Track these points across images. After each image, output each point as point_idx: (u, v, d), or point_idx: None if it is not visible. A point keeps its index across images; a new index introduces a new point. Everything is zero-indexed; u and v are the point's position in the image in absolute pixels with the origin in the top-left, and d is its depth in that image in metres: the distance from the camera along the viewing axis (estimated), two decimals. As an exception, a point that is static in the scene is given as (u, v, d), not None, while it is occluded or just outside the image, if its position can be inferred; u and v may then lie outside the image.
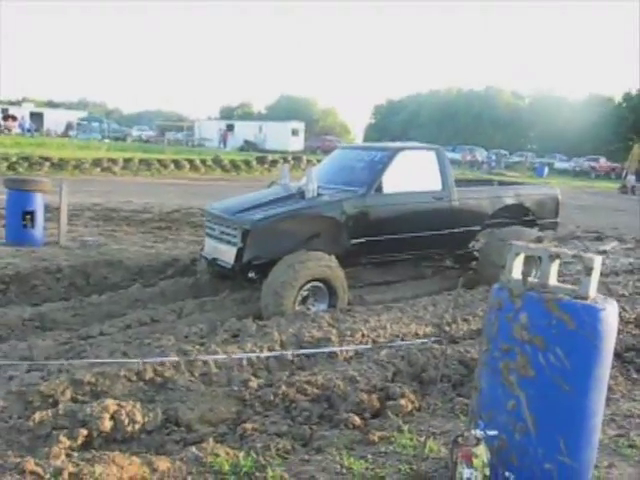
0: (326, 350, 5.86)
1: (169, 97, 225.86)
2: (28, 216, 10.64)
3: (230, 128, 62.85)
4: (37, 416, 4.14)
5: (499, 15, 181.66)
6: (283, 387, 4.89)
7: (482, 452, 3.15)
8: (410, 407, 4.83)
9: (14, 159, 26.04)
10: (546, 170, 47.91)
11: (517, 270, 3.43)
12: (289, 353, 5.69)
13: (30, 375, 5.11)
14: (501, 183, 11.38)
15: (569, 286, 3.35)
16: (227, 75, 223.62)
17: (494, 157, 55.07)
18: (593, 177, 51.74)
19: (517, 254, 3.46)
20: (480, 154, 56.15)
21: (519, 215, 9.82)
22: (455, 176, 9.33)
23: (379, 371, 5.38)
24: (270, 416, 4.59)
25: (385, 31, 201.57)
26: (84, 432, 4.03)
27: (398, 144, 9.38)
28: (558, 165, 56.80)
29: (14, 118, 55.66)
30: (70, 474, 3.34)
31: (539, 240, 9.07)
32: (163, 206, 16.91)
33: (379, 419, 4.69)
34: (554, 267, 3.34)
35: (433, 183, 8.65)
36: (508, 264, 3.45)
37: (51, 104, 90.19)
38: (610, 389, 3.33)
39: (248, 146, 56.15)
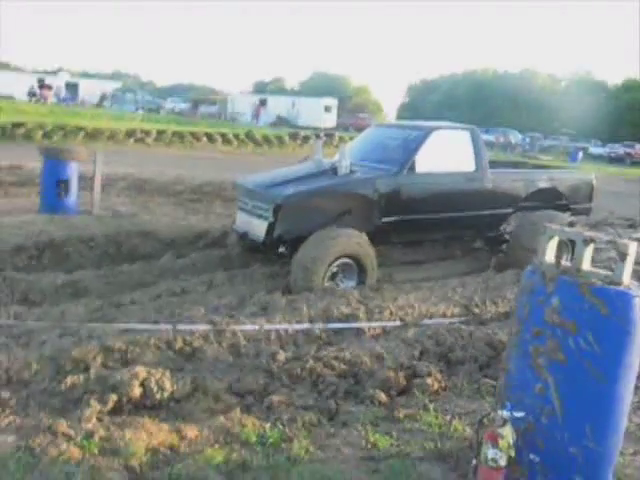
0: (355, 326, 5.88)
1: (202, 70, 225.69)
2: (63, 185, 10.74)
3: (263, 103, 62.72)
4: (69, 380, 4.23)
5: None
6: (311, 361, 4.93)
7: (508, 433, 3.16)
8: (436, 386, 4.84)
9: (49, 128, 26.27)
10: (580, 155, 47.18)
11: (550, 253, 3.42)
12: (318, 327, 5.73)
13: (62, 340, 5.18)
14: (535, 166, 11.27)
15: (603, 271, 3.33)
16: (261, 50, 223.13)
17: (528, 140, 54.40)
18: (628, 164, 50.90)
19: (551, 237, 3.44)
20: (514, 137, 55.47)
21: (552, 199, 9.72)
22: (489, 158, 9.26)
23: (406, 349, 5.40)
24: (297, 389, 4.64)
25: (421, 9, 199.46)
26: (114, 397, 4.11)
27: (432, 123, 9.31)
28: (593, 150, 55.92)
29: (50, 87, 56.06)
30: (100, 437, 3.42)
31: (571, 225, 9.00)
32: (195, 179, 16.96)
33: (405, 397, 4.72)
34: (588, 251, 3.31)
35: (467, 164, 8.59)
36: (541, 247, 3.43)
37: (86, 75, 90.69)
38: (638, 377, 3.32)
39: (281, 121, 56.05)
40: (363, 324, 5.94)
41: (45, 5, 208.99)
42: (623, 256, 3.20)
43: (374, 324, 6.02)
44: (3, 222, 9.54)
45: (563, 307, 3.21)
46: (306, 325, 5.73)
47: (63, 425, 3.44)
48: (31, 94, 53.69)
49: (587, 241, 3.30)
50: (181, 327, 5.23)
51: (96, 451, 3.34)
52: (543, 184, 9.55)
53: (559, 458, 3.28)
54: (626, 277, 3.20)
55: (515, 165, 11.66)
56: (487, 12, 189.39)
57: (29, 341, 5.23)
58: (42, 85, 56.74)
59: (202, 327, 5.28)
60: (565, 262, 3.39)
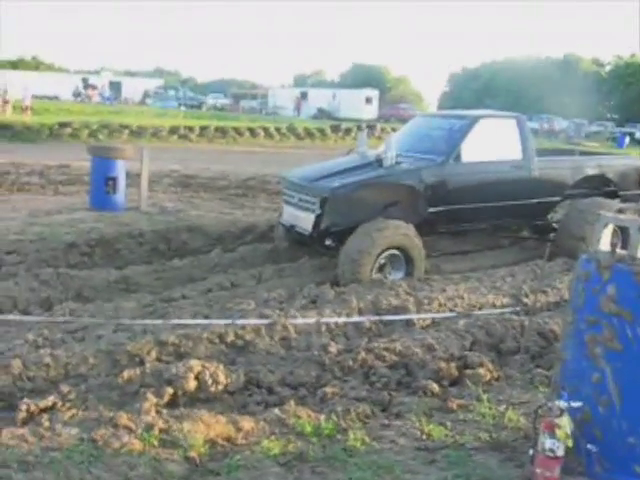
0: (405, 317, 5.89)
1: (243, 65, 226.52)
2: (111, 182, 10.94)
3: (304, 96, 62.84)
4: (126, 374, 4.31)
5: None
6: (362, 353, 4.95)
7: (565, 423, 3.14)
8: (488, 377, 4.82)
9: (95, 127, 26.70)
10: (627, 140, 46.33)
11: (605, 241, 3.38)
12: (369, 319, 5.75)
13: (117, 335, 5.30)
14: (582, 153, 11.11)
15: (658, 259, 3.29)
16: (300, 43, 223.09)
17: (573, 126, 53.53)
18: (677, 147, 49.83)
19: (605, 225, 3.41)
20: (558, 123, 54.67)
21: (600, 186, 9.58)
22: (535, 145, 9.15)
23: (457, 340, 5.39)
24: (349, 381, 4.67)
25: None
26: (170, 391, 4.17)
27: (478, 112, 9.23)
28: (639, 135, 54.88)
29: (94, 87, 57.00)
30: (160, 429, 3.49)
31: (620, 212, 8.81)
32: (239, 173, 17.10)
33: (457, 387, 4.71)
34: (644, 239, 3.28)
35: (513, 152, 8.51)
36: (596, 235, 3.40)
37: (128, 73, 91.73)
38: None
39: (322, 114, 56.10)
40: (413, 315, 5.94)
41: (85, 5, 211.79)
42: (679, 243, 3.16)
43: (424, 315, 6.02)
44: (55, 220, 9.76)
45: (619, 296, 3.17)
46: (357, 318, 5.75)
47: (124, 418, 3.51)
48: (76, 94, 54.71)
49: (643, 228, 3.26)
50: (239, 322, 5.29)
51: (156, 443, 3.40)
52: (590, 171, 9.41)
53: (617, 448, 3.25)
54: (683, 264, 3.16)
55: (561, 152, 11.50)
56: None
57: (85, 336, 5.35)
58: (86, 85, 57.75)
59: (257, 321, 5.33)
60: (619, 250, 3.36)
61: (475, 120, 8.36)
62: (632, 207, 10.10)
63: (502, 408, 4.09)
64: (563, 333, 3.57)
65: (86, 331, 5.47)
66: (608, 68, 79.17)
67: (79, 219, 9.87)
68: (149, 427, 3.47)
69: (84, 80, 61.16)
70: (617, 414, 3.23)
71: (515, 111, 9.54)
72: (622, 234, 3.75)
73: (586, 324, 3.31)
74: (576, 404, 3.25)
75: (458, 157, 7.98)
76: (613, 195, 9.62)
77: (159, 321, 5.63)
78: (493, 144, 8.26)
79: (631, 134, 52.10)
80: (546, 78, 76.32)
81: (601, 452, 3.28)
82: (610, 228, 3.41)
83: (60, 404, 3.99)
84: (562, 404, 3.20)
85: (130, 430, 3.44)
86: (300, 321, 5.45)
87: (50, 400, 3.97)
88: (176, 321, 5.50)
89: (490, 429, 3.88)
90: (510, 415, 4.02)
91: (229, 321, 5.28)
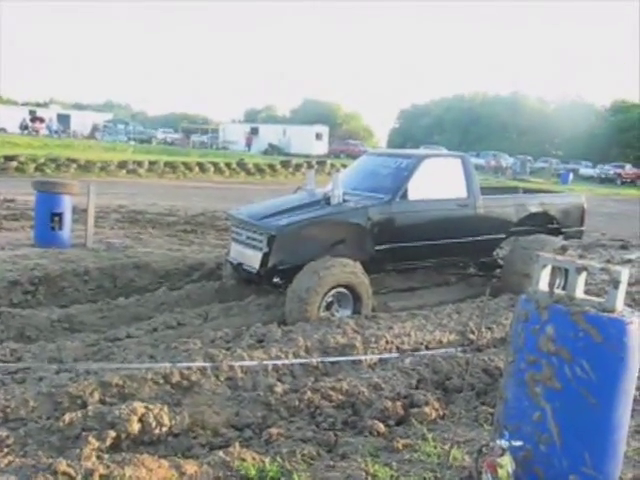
0: (351, 358, 5.89)
1: (194, 99, 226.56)
2: (56, 218, 10.78)
3: (254, 131, 63.10)
4: (67, 417, 4.21)
5: (525, 21, 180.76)
6: (308, 393, 4.94)
7: (507, 462, 3.18)
8: (434, 415, 4.86)
9: (42, 160, 26.37)
10: (571, 176, 47.55)
11: (544, 282, 3.46)
12: (316, 360, 5.74)
13: (59, 376, 5.17)
14: (526, 191, 11.35)
15: (596, 298, 3.37)
16: (251, 78, 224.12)
17: (518, 163, 54.73)
18: (619, 184, 51.24)
19: (544, 266, 3.48)
20: (504, 160, 55.86)
21: (544, 223, 9.79)
22: (480, 182, 9.32)
23: (403, 378, 5.42)
24: (295, 421, 4.65)
25: (410, 35, 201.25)
26: (113, 434, 4.09)
27: (424, 151, 9.38)
28: (583, 172, 56.33)
29: (42, 120, 56.29)
30: (101, 475, 3.41)
31: (564, 249, 9.05)
32: (188, 209, 17.03)
33: (403, 426, 4.72)
34: (581, 279, 3.36)
35: (458, 190, 8.65)
36: (535, 275, 3.47)
37: (77, 106, 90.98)
38: (635, 400, 3.34)
39: (272, 149, 56.38)
40: (361, 356, 5.95)
41: (35, 36, 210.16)
42: (616, 283, 3.24)
43: (371, 356, 6.03)
44: (-3, 257, 9.55)
45: (557, 335, 3.24)
46: (303, 359, 5.73)
47: (63, 464, 3.42)
48: (23, 127, 53.90)
49: (580, 269, 3.34)
50: (180, 365, 5.22)
51: (96, 490, 3.33)
52: (534, 208, 9.62)
53: (559, 486, 3.29)
54: (619, 304, 3.25)
55: (506, 190, 11.74)
56: (476, 37, 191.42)
57: (26, 377, 5.22)
58: (34, 118, 56.98)
59: (200, 364, 5.28)
60: (558, 290, 3.43)
61: (421, 159, 8.49)
62: (574, 244, 10.37)
63: (447, 447, 4.10)
64: (504, 372, 3.62)
65: (27, 372, 5.34)
66: (553, 107, 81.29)
67: (23, 255, 9.68)
68: (89, 473, 3.39)
69: (31, 112, 60.41)
70: (558, 452, 3.28)
71: (463, 147, 9.77)
72: (564, 273, 3.83)
73: (526, 363, 3.36)
74: (517, 443, 3.29)
75: (404, 195, 8.08)
76: (556, 232, 9.84)
77: (95, 365, 5.52)
78: (439, 183, 8.40)
79: (575, 170, 53.47)
80: (493, 115, 78.13)
81: (543, 490, 3.31)
82: (549, 268, 3.48)
83: (-3, 450, 3.89)
84: (504, 443, 3.24)
85: (70, 477, 3.36)
86: (241, 363, 5.40)
87: (-13, 446, 3.87)
88: (115, 365, 5.41)
89: (435, 469, 3.89)
90: (455, 454, 4.04)
91: (169, 365, 5.20)
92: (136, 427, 4.21)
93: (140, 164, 29.52)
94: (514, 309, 3.63)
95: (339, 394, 4.98)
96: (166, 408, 4.45)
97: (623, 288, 3.26)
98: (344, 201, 7.81)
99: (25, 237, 11.50)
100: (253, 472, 3.72)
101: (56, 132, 54.39)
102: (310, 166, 34.29)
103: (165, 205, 17.67)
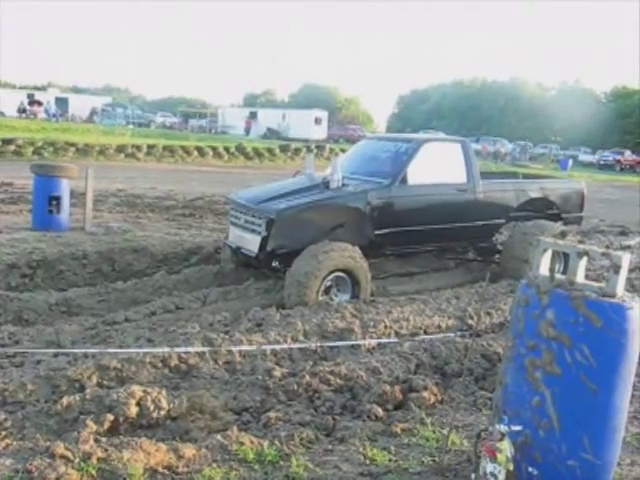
0: (350, 343, 5.88)
1: (193, 83, 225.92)
2: (54, 201, 10.73)
3: (253, 116, 62.94)
4: (65, 401, 4.20)
5: (525, 6, 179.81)
6: (307, 377, 4.93)
7: (506, 447, 3.17)
8: (432, 400, 4.85)
9: (40, 144, 26.27)
10: (570, 163, 47.45)
11: (544, 266, 3.43)
12: (315, 344, 5.73)
13: (57, 360, 5.18)
14: (526, 176, 11.32)
15: (596, 284, 3.35)
16: (251, 62, 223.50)
17: (518, 149, 54.64)
18: (618, 170, 51.23)
19: (545, 250, 3.46)
20: (503, 145, 55.73)
21: (543, 209, 9.77)
22: (479, 168, 9.29)
23: (402, 363, 5.41)
24: (293, 405, 4.64)
25: (411, 19, 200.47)
26: (110, 417, 4.09)
27: (423, 136, 9.34)
28: (582, 158, 56.31)
29: (40, 103, 56.05)
30: (99, 459, 3.40)
31: (563, 234, 9.02)
32: (187, 193, 16.99)
33: (401, 411, 4.72)
34: (582, 264, 3.33)
35: (458, 175, 8.62)
36: (535, 260, 3.45)
37: (76, 90, 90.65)
38: (634, 386, 3.34)
39: (271, 134, 56.25)
40: (359, 341, 5.95)
41: (33, 20, 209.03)
42: (617, 268, 3.22)
43: (370, 340, 6.03)
44: (-5, 240, 9.52)
45: (558, 320, 3.22)
46: (302, 344, 5.73)
47: (60, 447, 3.42)
48: (21, 110, 53.68)
49: (581, 254, 3.32)
50: (178, 349, 5.21)
51: (94, 473, 3.32)
52: (534, 194, 9.59)
53: (557, 471, 3.28)
54: (619, 289, 3.23)
55: (506, 175, 11.70)
56: (476, 22, 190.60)
57: (24, 361, 5.22)
58: (32, 101, 56.75)
59: (198, 348, 5.27)
60: (559, 275, 3.41)
61: (421, 144, 8.45)
62: (574, 230, 10.35)
63: (445, 431, 4.10)
64: (504, 357, 3.61)
65: (25, 356, 5.33)
66: (552, 92, 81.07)
67: (21, 239, 9.65)
68: (87, 456, 3.38)
69: (29, 96, 60.14)
70: (557, 437, 3.27)
71: (462, 133, 9.72)
72: (564, 258, 3.81)
73: (526, 348, 3.35)
74: (516, 428, 3.28)
75: (404, 180, 8.05)
76: (556, 218, 9.82)
77: (93, 349, 5.51)
78: (438, 167, 8.36)
79: (574, 157, 53.40)
80: (492, 101, 77.93)
81: (542, 475, 3.31)
82: (549, 253, 3.46)
83: (-5, 433, 3.88)
84: (503, 428, 3.23)
85: (67, 460, 3.35)
86: (239, 348, 5.39)
87: (-15, 429, 3.86)
88: (113, 350, 5.39)
89: (433, 453, 3.89)
90: (453, 438, 4.04)
91: (167, 349, 5.19)
92: (134, 411, 4.20)
93: (139, 148, 29.42)
94: (514, 294, 3.61)
95: (337, 378, 4.98)
96: (164, 392, 4.44)
97: (624, 273, 3.24)
98: (343, 185, 7.78)
99: (23, 221, 11.46)
100: (251, 456, 3.72)
101: (54, 116, 54.08)
102: (309, 150, 34.19)
103: (164, 189, 17.62)
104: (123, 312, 6.91)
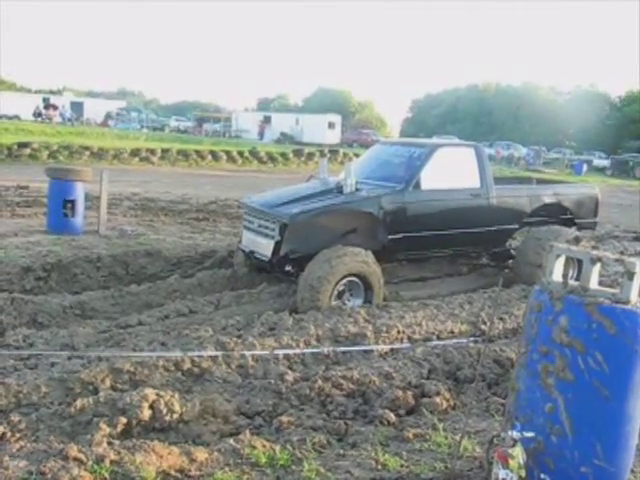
0: (362, 348, 5.88)
1: (207, 88, 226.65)
2: (69, 205, 10.82)
3: (267, 120, 63.00)
4: (78, 403, 4.23)
5: (540, 10, 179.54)
6: (319, 381, 4.93)
7: (518, 453, 3.16)
8: (445, 405, 4.84)
9: (55, 148, 26.42)
10: (584, 167, 47.19)
11: (558, 272, 3.42)
12: (327, 349, 5.73)
13: (71, 362, 5.21)
14: (540, 181, 11.28)
15: (610, 290, 3.33)
16: (264, 67, 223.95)
17: (532, 153, 54.38)
18: (632, 176, 50.85)
19: (558, 256, 3.45)
20: (517, 150, 55.49)
21: (557, 214, 9.73)
22: (493, 173, 9.26)
23: (414, 368, 5.40)
24: (306, 410, 4.64)
25: (424, 24, 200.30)
26: (124, 420, 4.11)
27: (437, 141, 9.34)
28: (597, 162, 55.94)
29: (55, 107, 56.37)
30: (112, 461, 3.42)
31: (577, 240, 8.99)
32: (200, 197, 17.05)
33: (414, 416, 4.71)
34: (595, 270, 3.32)
35: (471, 180, 8.61)
36: (549, 266, 3.44)
37: (91, 94, 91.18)
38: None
39: (285, 138, 56.27)
40: (372, 346, 5.94)
41: (49, 24, 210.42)
42: (630, 275, 3.20)
43: (382, 346, 6.02)
44: (10, 243, 9.60)
45: (571, 326, 3.21)
46: (311, 349, 5.73)
47: (74, 449, 3.44)
48: (36, 114, 54.02)
49: (594, 260, 3.31)
50: (191, 353, 5.23)
51: (107, 476, 3.34)
52: (548, 199, 9.56)
53: (570, 477, 3.27)
54: (633, 295, 3.21)
55: (520, 180, 11.67)
56: (490, 26, 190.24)
57: (38, 363, 5.25)
58: (47, 105, 57.11)
59: (211, 352, 5.29)
60: (572, 281, 3.40)
61: (434, 149, 8.45)
62: (588, 235, 10.31)
63: (458, 437, 4.09)
64: (516, 363, 3.59)
65: (39, 358, 5.37)
66: (566, 97, 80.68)
67: (36, 242, 9.73)
68: (100, 459, 3.40)
69: (45, 100, 60.54)
70: (570, 444, 3.25)
71: (476, 137, 9.70)
72: (577, 264, 3.80)
73: (539, 354, 3.34)
74: (529, 434, 3.27)
75: (417, 185, 8.05)
76: (570, 223, 9.78)
77: (107, 352, 5.54)
78: (452, 172, 8.35)
79: (589, 162, 53.09)
80: (506, 105, 77.62)
81: (554, 482, 3.30)
82: (563, 259, 3.45)
83: (10, 435, 3.91)
84: (515, 434, 3.22)
85: (80, 462, 3.37)
86: (256, 352, 5.40)
87: (-1, 430, 3.89)
88: (126, 353, 5.42)
89: (445, 459, 3.88)
90: (465, 444, 4.03)
91: (181, 354, 5.21)
92: (147, 414, 4.22)
93: (153, 152, 29.55)
94: (527, 300, 3.60)
95: (350, 383, 4.97)
96: (177, 395, 4.46)
97: (638, 280, 3.22)
98: (357, 190, 7.79)
99: (38, 224, 11.55)
100: (263, 459, 3.73)
101: (69, 120, 54.42)
102: (323, 155, 34.21)
103: (177, 193, 17.69)
104: (137, 315, 6.95)
